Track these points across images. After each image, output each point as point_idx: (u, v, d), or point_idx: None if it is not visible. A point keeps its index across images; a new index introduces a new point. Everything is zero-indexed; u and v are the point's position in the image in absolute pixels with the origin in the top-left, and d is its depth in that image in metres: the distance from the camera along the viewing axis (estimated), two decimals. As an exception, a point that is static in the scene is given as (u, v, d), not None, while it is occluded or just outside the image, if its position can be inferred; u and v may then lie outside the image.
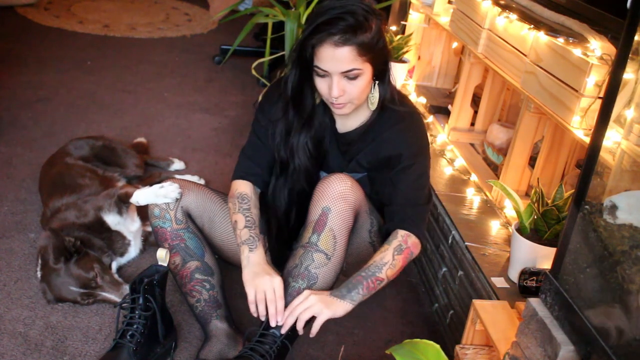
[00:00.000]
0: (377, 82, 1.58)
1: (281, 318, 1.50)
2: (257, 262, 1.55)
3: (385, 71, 1.58)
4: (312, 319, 1.50)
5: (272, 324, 1.51)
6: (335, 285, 1.59)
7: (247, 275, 1.54)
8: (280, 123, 1.65)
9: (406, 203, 1.62)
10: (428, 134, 1.71)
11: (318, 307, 1.48)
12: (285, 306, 1.52)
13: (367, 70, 1.50)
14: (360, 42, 1.45)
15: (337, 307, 1.49)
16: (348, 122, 1.68)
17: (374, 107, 1.62)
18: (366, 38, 1.46)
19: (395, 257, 1.55)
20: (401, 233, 1.59)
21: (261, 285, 1.51)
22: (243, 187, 1.69)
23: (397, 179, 1.63)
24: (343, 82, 1.50)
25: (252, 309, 1.52)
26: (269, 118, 1.68)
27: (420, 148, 1.66)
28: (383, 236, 1.66)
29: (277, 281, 1.52)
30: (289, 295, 1.53)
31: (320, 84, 1.53)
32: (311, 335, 1.51)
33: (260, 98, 3.24)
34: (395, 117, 1.63)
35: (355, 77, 1.49)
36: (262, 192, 1.74)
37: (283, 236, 1.77)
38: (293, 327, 1.52)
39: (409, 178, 1.62)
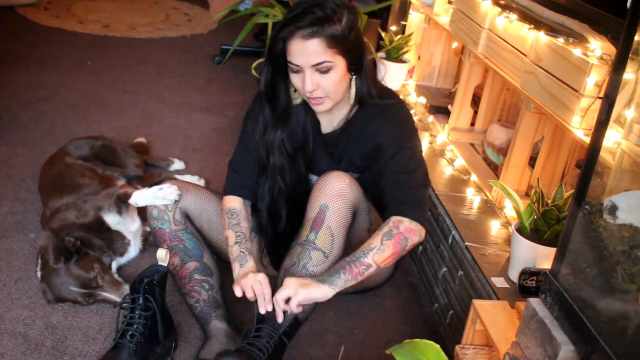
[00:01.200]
0: (354, 76, 1.58)
1: (270, 306, 1.51)
2: (245, 273, 1.57)
3: (362, 65, 1.57)
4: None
5: (262, 311, 1.52)
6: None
7: (235, 283, 1.57)
8: (259, 120, 1.66)
9: (398, 188, 1.59)
10: (414, 122, 1.68)
11: (294, 288, 1.47)
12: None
13: (339, 63, 1.50)
14: (329, 34, 1.45)
15: (315, 289, 1.47)
16: (331, 120, 1.68)
17: (351, 101, 1.62)
18: (335, 30, 1.46)
19: (384, 242, 1.52)
20: (393, 219, 1.55)
21: (246, 283, 1.52)
22: (232, 202, 1.70)
23: (386, 167, 1.60)
24: (316, 76, 1.50)
25: (237, 293, 1.54)
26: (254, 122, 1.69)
27: (404, 134, 1.63)
28: None
29: (260, 276, 1.53)
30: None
31: (295, 79, 1.53)
32: (290, 311, 1.50)
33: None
34: (375, 111, 1.62)
35: (327, 70, 1.49)
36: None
37: (276, 235, 1.77)
38: (291, 324, 1.53)
39: (397, 164, 1.59)
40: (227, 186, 1.74)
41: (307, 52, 1.46)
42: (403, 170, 1.59)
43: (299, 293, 1.46)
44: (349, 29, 1.49)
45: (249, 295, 1.52)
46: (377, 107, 1.61)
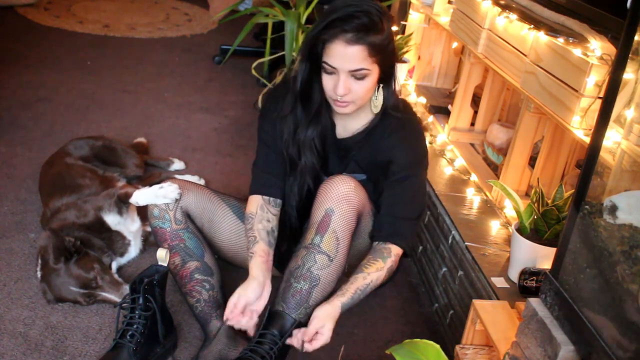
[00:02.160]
0: (381, 85, 1.58)
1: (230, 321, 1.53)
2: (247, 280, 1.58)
3: (392, 75, 1.58)
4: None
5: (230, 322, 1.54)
6: (338, 286, 1.59)
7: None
8: (289, 120, 1.65)
9: (398, 216, 1.62)
10: (427, 142, 1.71)
11: (329, 332, 1.49)
12: (287, 304, 1.52)
13: (374, 71, 1.50)
14: (372, 42, 1.45)
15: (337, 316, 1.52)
16: (348, 125, 1.68)
17: (377, 110, 1.62)
18: (378, 39, 1.46)
19: (385, 276, 1.59)
20: (394, 252, 1.60)
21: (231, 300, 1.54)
22: (250, 206, 1.69)
23: (392, 190, 1.62)
24: (350, 81, 1.50)
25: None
26: (273, 119, 1.68)
27: (418, 159, 1.66)
28: (371, 238, 1.67)
29: (239, 290, 1.54)
30: (291, 296, 1.53)
31: (327, 80, 1.53)
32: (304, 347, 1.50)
33: (261, 100, 3.26)
34: (395, 123, 1.63)
35: (362, 77, 1.50)
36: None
37: (297, 235, 1.77)
38: (293, 329, 1.52)
39: (404, 191, 1.62)
40: (253, 185, 1.72)
41: (348, 57, 1.46)
42: (408, 199, 1.63)
43: (330, 327, 1.49)
44: (389, 40, 1.50)
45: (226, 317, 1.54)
46: (396, 120, 1.63)
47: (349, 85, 1.50)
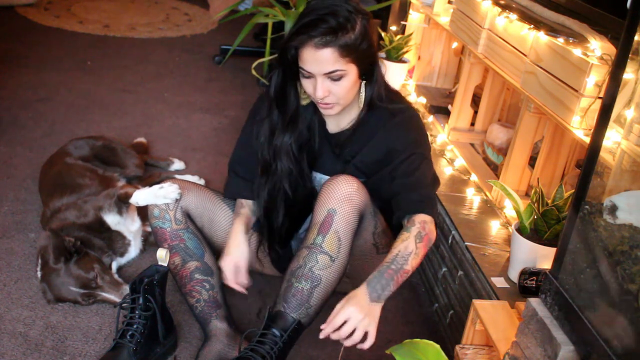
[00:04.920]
0: (364, 81, 1.58)
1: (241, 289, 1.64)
2: (231, 235, 1.67)
3: (373, 70, 1.57)
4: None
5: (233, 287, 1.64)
6: (339, 287, 1.59)
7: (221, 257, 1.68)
8: (265, 123, 1.66)
9: (410, 190, 1.57)
10: (425, 129, 1.69)
11: (366, 322, 1.39)
12: (288, 304, 1.52)
13: (351, 70, 1.50)
14: (342, 43, 1.45)
15: (377, 312, 1.43)
16: (339, 121, 1.68)
17: (361, 105, 1.62)
18: (349, 39, 1.45)
19: (417, 246, 1.48)
20: (418, 219, 1.52)
21: (226, 266, 1.64)
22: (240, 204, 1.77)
23: (397, 171, 1.60)
24: (327, 83, 1.50)
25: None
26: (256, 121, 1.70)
27: (415, 140, 1.63)
28: (394, 229, 1.63)
29: (226, 261, 1.63)
30: (292, 296, 1.53)
31: (306, 84, 1.53)
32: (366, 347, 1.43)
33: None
34: (386, 114, 1.62)
35: (339, 78, 1.49)
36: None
37: (270, 236, 1.77)
38: (294, 328, 1.52)
39: (409, 167, 1.59)
40: (228, 190, 1.77)
41: (320, 61, 1.46)
42: (413, 174, 1.59)
43: (372, 325, 1.39)
44: (361, 37, 1.48)
45: (226, 282, 1.64)
46: (386, 110, 1.62)
47: (328, 87, 1.50)
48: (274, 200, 1.71)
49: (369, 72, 1.56)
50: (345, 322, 1.39)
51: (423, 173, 1.60)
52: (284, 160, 1.66)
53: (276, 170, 1.67)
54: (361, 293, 1.41)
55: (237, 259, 1.63)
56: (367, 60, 1.53)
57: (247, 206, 1.73)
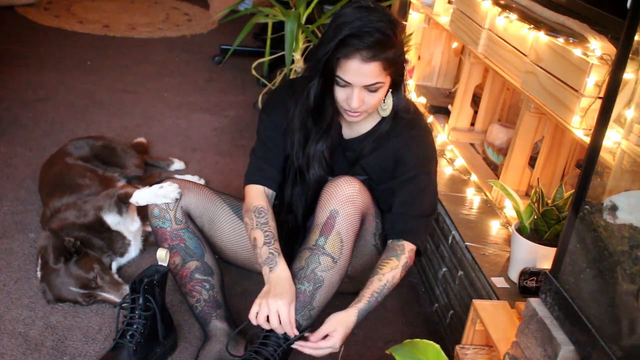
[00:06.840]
0: (391, 90, 1.58)
1: (292, 332, 1.48)
2: (275, 280, 1.50)
3: (402, 81, 1.59)
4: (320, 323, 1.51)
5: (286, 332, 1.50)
6: (340, 288, 1.59)
7: (262, 292, 1.51)
8: (299, 132, 1.65)
9: (410, 214, 1.62)
10: (434, 142, 1.71)
11: (338, 337, 1.48)
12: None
13: (387, 82, 1.52)
14: (387, 57, 1.45)
15: (352, 325, 1.51)
16: (355, 127, 1.69)
17: (385, 114, 1.62)
18: (392, 53, 1.46)
19: (401, 275, 1.58)
20: (408, 248, 1.60)
21: (265, 306, 1.46)
22: (259, 200, 1.64)
23: (401, 188, 1.63)
24: (363, 94, 1.50)
25: (253, 321, 1.49)
26: (277, 117, 1.68)
27: (426, 159, 1.66)
28: (382, 241, 1.66)
29: (281, 304, 1.45)
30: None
31: (340, 93, 1.52)
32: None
33: (261, 100, 3.26)
34: (403, 124, 1.64)
35: (376, 90, 1.50)
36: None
37: (297, 239, 1.77)
38: (299, 330, 1.52)
39: (413, 188, 1.62)
40: (252, 175, 1.70)
41: (364, 74, 1.46)
42: (417, 196, 1.63)
43: (341, 333, 1.48)
44: (401, 51, 1.50)
45: (264, 326, 1.47)
46: (405, 121, 1.64)
47: (363, 97, 1.50)
48: (296, 203, 1.73)
49: (399, 82, 1.58)
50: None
51: (424, 199, 1.64)
52: (317, 167, 1.67)
53: (308, 177, 1.68)
54: (352, 321, 1.50)
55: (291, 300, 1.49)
56: (401, 72, 1.55)
57: (268, 213, 1.62)
